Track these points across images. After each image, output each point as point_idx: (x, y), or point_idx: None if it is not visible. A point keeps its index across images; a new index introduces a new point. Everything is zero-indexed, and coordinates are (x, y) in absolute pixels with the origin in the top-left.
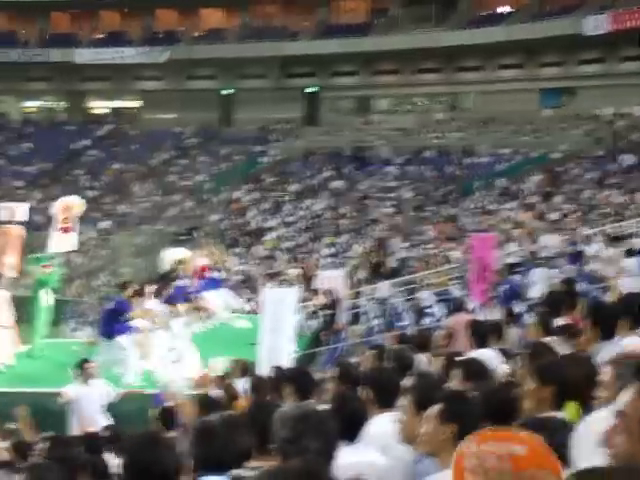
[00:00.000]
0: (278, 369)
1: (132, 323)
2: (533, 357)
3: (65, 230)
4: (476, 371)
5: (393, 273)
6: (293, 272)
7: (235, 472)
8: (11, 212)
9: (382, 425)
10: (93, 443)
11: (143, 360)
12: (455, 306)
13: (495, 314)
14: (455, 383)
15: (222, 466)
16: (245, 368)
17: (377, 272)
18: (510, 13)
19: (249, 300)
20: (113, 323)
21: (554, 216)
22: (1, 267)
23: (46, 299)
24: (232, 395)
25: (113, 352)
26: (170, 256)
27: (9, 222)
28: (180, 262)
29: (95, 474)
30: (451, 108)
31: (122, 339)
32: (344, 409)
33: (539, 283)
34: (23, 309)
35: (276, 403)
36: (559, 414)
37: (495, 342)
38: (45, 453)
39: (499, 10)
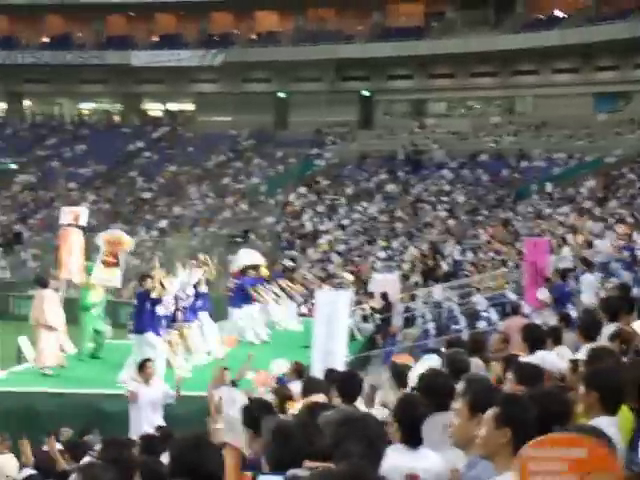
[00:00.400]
0: (330, 372)
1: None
2: (590, 362)
3: (108, 264)
4: (530, 374)
5: (447, 277)
6: (347, 275)
7: (291, 472)
8: (75, 216)
9: (434, 428)
10: (149, 444)
11: (184, 357)
12: (512, 310)
13: (549, 318)
14: (509, 386)
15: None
16: (300, 370)
17: (431, 276)
18: (566, 17)
19: (304, 303)
20: (140, 318)
21: (609, 221)
22: (63, 270)
23: (94, 304)
24: (284, 397)
25: (143, 349)
26: (243, 259)
27: (70, 225)
28: (250, 267)
29: (150, 476)
30: (507, 112)
31: (150, 336)
32: (406, 414)
33: (589, 289)
34: (72, 312)
35: (326, 406)
36: (611, 419)
37: (552, 346)
38: (99, 454)
39: (555, 13)
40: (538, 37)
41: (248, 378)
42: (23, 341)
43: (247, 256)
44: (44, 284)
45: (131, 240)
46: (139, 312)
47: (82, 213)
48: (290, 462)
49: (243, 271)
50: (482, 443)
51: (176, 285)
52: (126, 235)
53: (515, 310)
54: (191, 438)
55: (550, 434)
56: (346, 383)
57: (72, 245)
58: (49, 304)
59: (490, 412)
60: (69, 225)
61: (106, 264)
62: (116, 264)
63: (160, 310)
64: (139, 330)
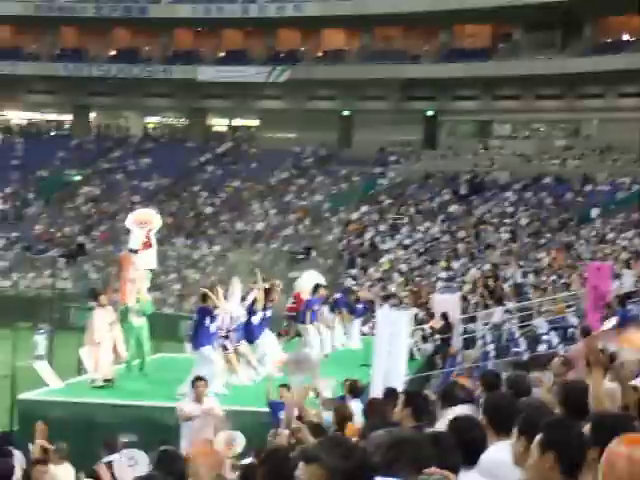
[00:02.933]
0: (392, 391)
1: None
2: None
3: (144, 246)
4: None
5: (508, 299)
6: (407, 295)
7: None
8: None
9: (497, 452)
10: None
11: (232, 375)
12: (581, 332)
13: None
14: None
15: None
16: (354, 388)
17: (492, 297)
18: (633, 40)
19: (364, 322)
20: (198, 333)
21: None
22: (122, 294)
23: (139, 322)
24: (344, 416)
25: (201, 364)
26: (310, 280)
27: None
28: (318, 287)
29: None
30: (571, 135)
31: (207, 350)
32: (463, 435)
33: None
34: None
35: (388, 425)
36: None
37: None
38: (155, 465)
39: (623, 37)
40: (605, 60)
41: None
42: (84, 352)
43: (312, 277)
44: (95, 297)
45: (159, 218)
46: (198, 327)
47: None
48: None
49: (314, 291)
50: (532, 470)
51: (233, 303)
52: (154, 213)
53: (586, 333)
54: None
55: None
56: (416, 403)
57: (137, 275)
58: (96, 319)
59: (536, 439)
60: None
61: (145, 246)
62: (150, 245)
63: (213, 327)
64: (197, 345)
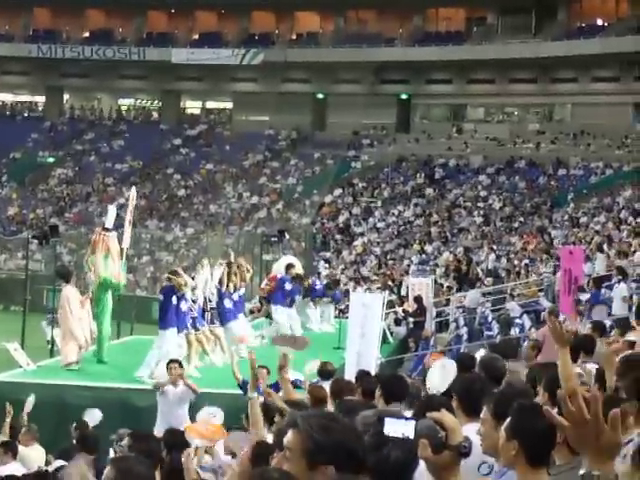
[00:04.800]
0: (364, 372)
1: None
2: (624, 372)
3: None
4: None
5: (481, 283)
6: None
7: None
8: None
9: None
10: (173, 440)
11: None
12: (544, 317)
13: (583, 327)
14: (540, 396)
15: None
16: (328, 371)
17: (465, 281)
18: (607, 25)
19: (335, 305)
20: (165, 314)
21: None
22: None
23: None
24: (318, 398)
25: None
26: (283, 261)
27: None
28: (290, 266)
29: (170, 470)
30: (545, 119)
31: (171, 332)
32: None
33: (620, 299)
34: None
35: (361, 406)
36: None
37: (585, 356)
38: (130, 447)
39: (597, 22)
40: (579, 45)
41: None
42: (56, 334)
43: (289, 261)
44: (67, 278)
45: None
46: (164, 308)
47: (109, 213)
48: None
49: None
50: (502, 454)
51: (201, 283)
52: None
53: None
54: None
55: None
56: (392, 385)
57: (111, 250)
58: (69, 301)
59: (505, 423)
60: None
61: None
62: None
63: (183, 306)
64: (163, 326)
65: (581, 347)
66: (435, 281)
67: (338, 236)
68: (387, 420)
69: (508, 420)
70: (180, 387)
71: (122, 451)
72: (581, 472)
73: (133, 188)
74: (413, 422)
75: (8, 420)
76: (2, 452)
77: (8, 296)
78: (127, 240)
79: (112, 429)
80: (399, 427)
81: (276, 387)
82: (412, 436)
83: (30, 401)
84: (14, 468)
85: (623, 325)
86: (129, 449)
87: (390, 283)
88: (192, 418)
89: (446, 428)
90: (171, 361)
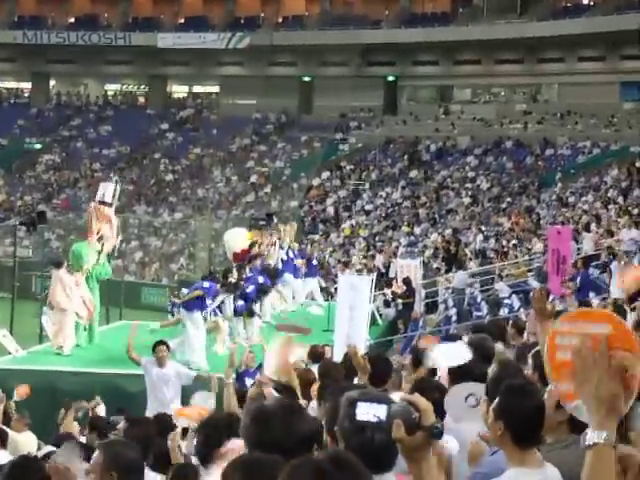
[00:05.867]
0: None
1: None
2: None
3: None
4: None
5: (469, 263)
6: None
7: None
8: (103, 192)
9: (457, 397)
10: (162, 424)
11: (215, 344)
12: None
13: (573, 307)
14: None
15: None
16: (317, 354)
17: (453, 262)
18: (592, 4)
19: (323, 287)
20: (200, 301)
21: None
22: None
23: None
24: (308, 380)
25: (188, 328)
26: (241, 236)
27: (103, 203)
28: (254, 243)
29: (160, 456)
30: (532, 99)
31: (198, 316)
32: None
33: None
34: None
35: (345, 387)
36: None
37: None
38: (125, 432)
39: (582, 1)
40: (564, 25)
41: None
42: (45, 321)
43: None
44: (58, 265)
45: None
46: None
47: (108, 189)
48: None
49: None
50: (490, 434)
51: None
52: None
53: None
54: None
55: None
56: (377, 367)
57: (110, 225)
58: (62, 286)
59: (493, 403)
60: (101, 203)
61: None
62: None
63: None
64: (191, 308)
65: None
66: (424, 262)
67: (326, 219)
68: (359, 404)
69: (496, 400)
70: (166, 368)
71: (117, 435)
72: (586, 443)
73: (114, 179)
74: (385, 406)
75: (1, 407)
76: None
77: None
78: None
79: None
80: (372, 410)
81: (260, 368)
82: (384, 419)
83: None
84: (2, 456)
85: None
86: (124, 433)
87: (379, 265)
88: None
89: (420, 409)
90: (160, 343)
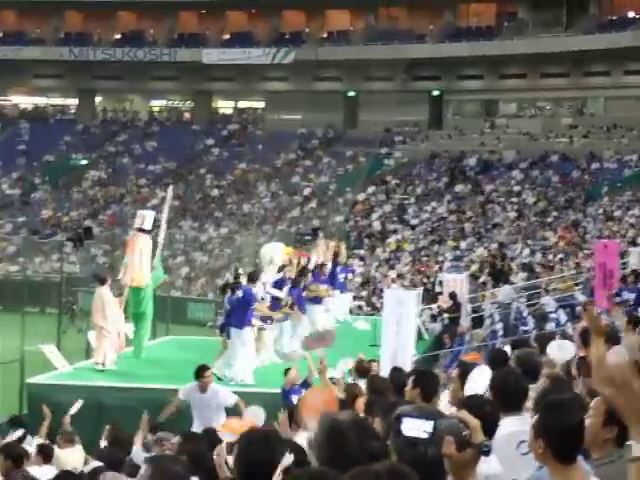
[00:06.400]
0: (399, 370)
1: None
2: None
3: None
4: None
5: (515, 277)
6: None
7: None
8: (142, 220)
9: (506, 428)
10: (211, 440)
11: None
12: (579, 312)
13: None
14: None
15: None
16: (364, 369)
17: (500, 277)
18: (639, 18)
19: (369, 302)
20: (243, 312)
21: None
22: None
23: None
24: (354, 394)
25: (236, 344)
26: (279, 250)
27: (141, 230)
28: (283, 266)
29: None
30: (577, 113)
31: (248, 331)
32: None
33: None
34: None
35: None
36: None
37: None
38: (178, 448)
39: (628, 14)
40: (610, 38)
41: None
42: (92, 336)
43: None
44: (102, 281)
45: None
46: (241, 308)
47: (148, 216)
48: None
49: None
50: (534, 452)
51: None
52: None
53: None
54: (258, 434)
55: None
56: (424, 382)
57: (137, 250)
58: (102, 304)
59: (532, 420)
60: (139, 230)
61: None
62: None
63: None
64: (241, 325)
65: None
66: (474, 276)
67: (372, 233)
68: (404, 420)
69: (535, 418)
70: (208, 393)
71: (172, 449)
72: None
73: (170, 187)
74: (431, 422)
75: (46, 423)
76: (37, 455)
77: (44, 299)
78: (162, 236)
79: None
80: (417, 426)
81: (305, 385)
82: (429, 435)
83: (76, 405)
84: (47, 471)
85: None
86: (178, 448)
87: (425, 280)
88: None
89: (470, 427)
90: (204, 367)
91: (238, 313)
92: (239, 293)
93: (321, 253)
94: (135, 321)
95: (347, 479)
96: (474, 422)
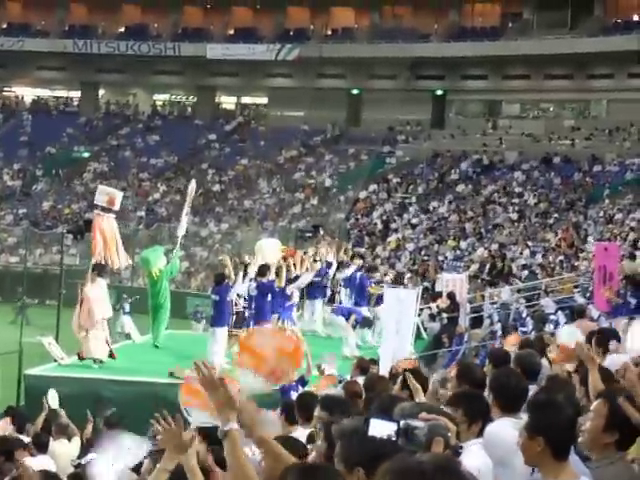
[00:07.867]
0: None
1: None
2: None
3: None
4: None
5: (515, 278)
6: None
7: (404, 421)
8: (110, 199)
9: (500, 426)
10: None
11: None
12: (577, 313)
13: (621, 323)
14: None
15: None
16: (364, 367)
17: (499, 277)
18: None
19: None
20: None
21: None
22: (113, 257)
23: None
24: (353, 393)
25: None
26: (275, 247)
27: (107, 209)
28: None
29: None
30: (580, 115)
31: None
32: (466, 408)
33: None
34: (143, 300)
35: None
36: None
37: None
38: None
39: (633, 18)
40: (615, 41)
41: (315, 374)
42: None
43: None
44: (101, 274)
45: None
46: (262, 302)
47: (117, 197)
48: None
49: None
50: (525, 453)
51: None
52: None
53: (581, 313)
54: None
55: None
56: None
57: (107, 232)
58: (104, 295)
59: (524, 420)
60: (103, 209)
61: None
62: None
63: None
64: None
65: (611, 336)
66: (475, 276)
67: (372, 232)
68: (372, 421)
69: (527, 418)
70: None
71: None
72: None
73: (193, 181)
74: (395, 424)
75: (43, 414)
76: (31, 444)
77: (43, 290)
78: (183, 229)
79: (146, 423)
80: (384, 428)
81: (302, 382)
82: (394, 437)
83: (52, 396)
84: (44, 462)
85: None
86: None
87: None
88: None
89: (450, 430)
90: None
91: (259, 306)
92: (253, 289)
93: (324, 252)
94: (153, 311)
95: (388, 474)
96: (452, 427)
